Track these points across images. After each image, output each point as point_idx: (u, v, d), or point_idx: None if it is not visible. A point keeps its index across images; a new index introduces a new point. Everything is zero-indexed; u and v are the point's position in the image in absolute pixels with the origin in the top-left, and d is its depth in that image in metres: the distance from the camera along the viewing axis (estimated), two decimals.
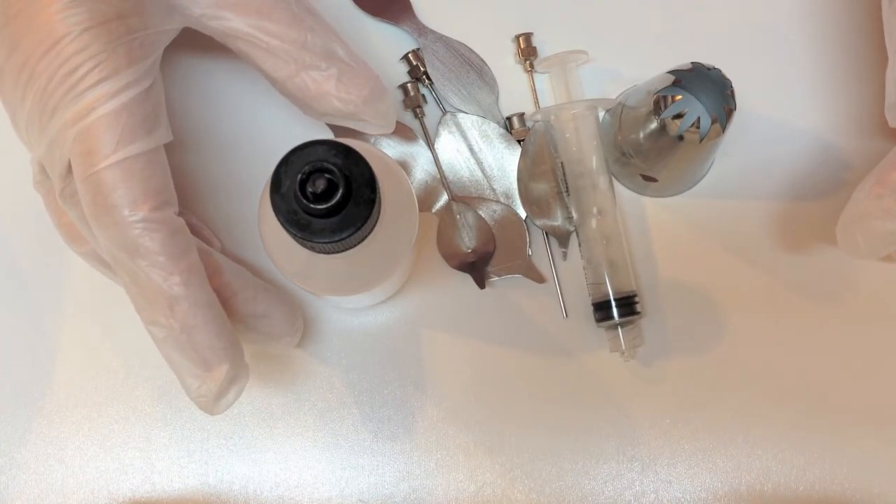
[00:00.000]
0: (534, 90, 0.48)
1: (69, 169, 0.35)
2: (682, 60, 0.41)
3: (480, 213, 0.46)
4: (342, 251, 0.32)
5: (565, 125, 0.45)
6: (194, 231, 0.40)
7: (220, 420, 0.45)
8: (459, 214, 0.46)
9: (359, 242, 0.32)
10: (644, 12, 0.48)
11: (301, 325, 0.42)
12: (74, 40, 0.34)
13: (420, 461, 0.45)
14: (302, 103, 0.40)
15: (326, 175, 0.30)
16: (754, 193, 0.47)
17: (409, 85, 0.47)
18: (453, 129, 0.47)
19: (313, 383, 0.45)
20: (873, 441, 0.45)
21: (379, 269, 0.37)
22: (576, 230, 0.46)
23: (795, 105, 0.48)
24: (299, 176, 0.30)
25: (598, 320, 0.45)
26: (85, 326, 0.46)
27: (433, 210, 0.46)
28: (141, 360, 0.45)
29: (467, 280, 0.46)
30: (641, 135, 0.42)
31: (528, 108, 0.47)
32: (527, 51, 0.47)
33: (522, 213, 0.46)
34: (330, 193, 0.30)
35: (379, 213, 0.32)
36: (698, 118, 0.40)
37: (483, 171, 0.47)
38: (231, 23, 0.38)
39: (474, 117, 0.47)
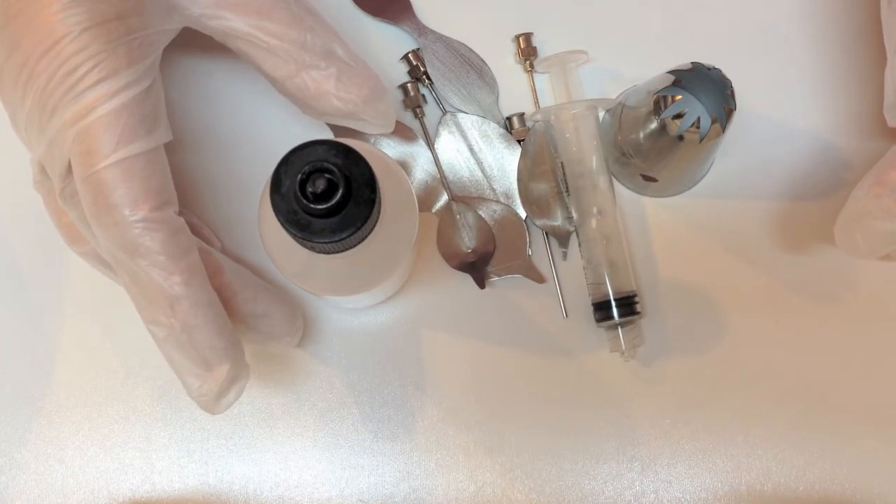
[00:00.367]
0: (534, 90, 0.48)
1: (69, 169, 0.35)
2: (682, 60, 0.41)
3: (480, 213, 0.46)
4: (342, 251, 0.32)
5: (565, 125, 0.45)
6: (194, 231, 0.40)
7: (220, 420, 0.45)
8: (459, 214, 0.46)
9: (359, 242, 0.32)
10: (644, 12, 0.48)
11: (301, 324, 0.42)
12: (74, 40, 0.34)
13: (420, 461, 0.45)
14: (302, 103, 0.40)
15: (326, 175, 0.30)
16: (754, 193, 0.47)
17: (409, 85, 0.47)
18: (453, 129, 0.47)
19: (313, 383, 0.45)
20: (873, 441, 0.45)
21: (379, 269, 0.37)
22: (576, 230, 0.46)
23: (795, 105, 0.48)
24: (299, 176, 0.30)
25: (598, 320, 0.45)
26: (85, 326, 0.46)
27: (433, 210, 0.46)
28: (141, 360, 0.45)
29: (467, 280, 0.46)
30: (641, 135, 0.42)
31: (528, 108, 0.47)
32: (527, 51, 0.47)
33: (522, 213, 0.46)
34: (330, 193, 0.30)
35: (379, 213, 0.32)
36: (698, 118, 0.40)
37: (483, 171, 0.47)
38: (231, 22, 0.38)
39: (474, 117, 0.47)
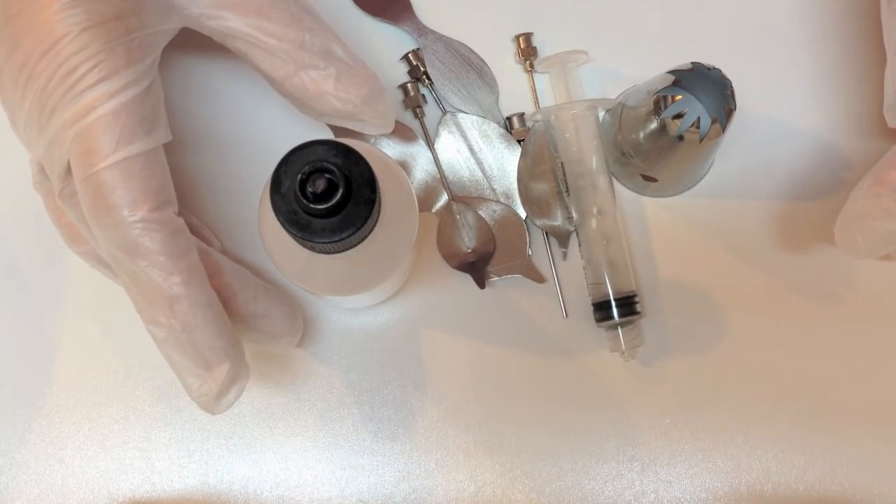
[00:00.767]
0: (534, 90, 0.48)
1: (68, 169, 0.35)
2: (682, 60, 0.41)
3: (480, 213, 0.46)
4: (342, 251, 0.32)
5: (565, 125, 0.45)
6: (194, 231, 0.40)
7: (220, 420, 0.45)
8: (459, 214, 0.46)
9: (359, 242, 0.32)
10: (644, 12, 0.48)
11: (301, 324, 0.42)
12: (73, 40, 0.34)
13: (420, 461, 0.45)
14: (300, 103, 0.40)
15: (326, 175, 0.30)
16: (754, 193, 0.47)
17: (409, 85, 0.47)
18: (453, 129, 0.47)
19: (313, 383, 0.45)
20: (873, 441, 0.45)
21: (379, 269, 0.37)
22: (576, 230, 0.46)
23: (795, 105, 0.48)
24: (299, 176, 0.30)
25: (598, 320, 0.45)
26: (85, 326, 0.46)
27: (433, 210, 0.46)
28: (141, 360, 0.45)
29: (467, 280, 0.46)
30: (641, 135, 0.42)
31: (528, 108, 0.47)
32: (527, 51, 0.47)
33: (522, 213, 0.46)
34: (330, 193, 0.30)
35: (379, 213, 0.32)
36: (698, 118, 0.40)
37: (483, 171, 0.47)
38: (230, 23, 0.38)
39: (474, 117, 0.47)
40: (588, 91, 0.47)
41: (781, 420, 0.45)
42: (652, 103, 0.41)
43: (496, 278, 0.46)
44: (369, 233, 0.32)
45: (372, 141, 0.46)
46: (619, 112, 0.44)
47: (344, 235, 0.30)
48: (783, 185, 0.47)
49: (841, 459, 0.45)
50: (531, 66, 0.47)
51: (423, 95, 0.47)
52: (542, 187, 0.46)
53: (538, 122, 0.46)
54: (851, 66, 0.48)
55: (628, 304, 0.44)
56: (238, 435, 0.45)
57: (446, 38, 0.47)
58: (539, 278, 0.46)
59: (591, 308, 0.45)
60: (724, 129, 0.40)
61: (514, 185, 0.46)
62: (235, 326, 0.38)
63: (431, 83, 0.47)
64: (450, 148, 0.47)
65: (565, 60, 0.46)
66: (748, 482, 0.45)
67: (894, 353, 0.46)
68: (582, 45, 0.46)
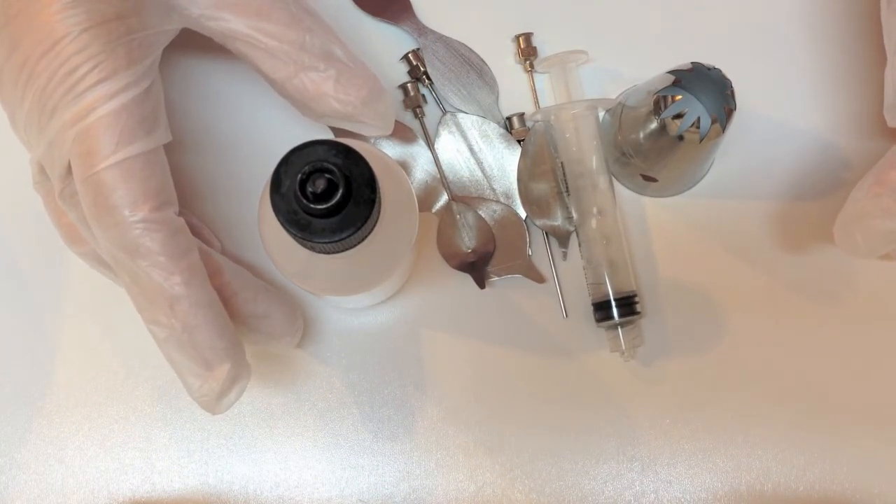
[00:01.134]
0: (534, 90, 0.48)
1: (69, 169, 0.35)
2: (682, 60, 0.41)
3: (480, 213, 0.46)
4: (342, 251, 0.32)
5: (565, 125, 0.45)
6: (194, 231, 0.40)
7: (220, 420, 0.45)
8: (459, 214, 0.46)
9: (359, 242, 0.32)
10: (644, 12, 0.48)
11: (301, 325, 0.42)
12: (74, 41, 0.34)
13: (420, 461, 0.45)
14: (301, 104, 0.40)
15: (326, 175, 0.30)
16: (754, 193, 0.47)
17: (409, 85, 0.47)
18: (453, 129, 0.47)
19: (313, 383, 0.45)
20: (873, 441, 0.45)
21: (379, 269, 0.37)
22: (576, 230, 0.46)
23: (795, 105, 0.48)
24: (299, 176, 0.30)
25: (598, 320, 0.45)
26: (85, 326, 0.46)
27: (433, 210, 0.46)
28: (141, 360, 0.45)
29: (467, 280, 0.46)
30: (641, 135, 0.42)
31: (528, 108, 0.47)
32: (527, 51, 0.47)
33: (522, 213, 0.46)
34: (330, 193, 0.30)
35: (379, 213, 0.32)
36: (698, 118, 0.40)
37: (483, 171, 0.47)
38: (230, 24, 0.38)
39: (474, 117, 0.47)
40: (588, 91, 0.47)
41: (781, 420, 0.45)
42: (652, 103, 0.41)
43: (496, 278, 0.46)
44: (369, 233, 0.32)
45: (372, 141, 0.46)
46: (619, 112, 0.44)
47: (344, 235, 0.30)
48: (783, 185, 0.47)
49: (841, 459, 0.45)
50: (531, 66, 0.47)
51: (423, 95, 0.47)
52: (542, 187, 0.46)
53: (538, 122, 0.46)
54: (851, 66, 0.48)
55: (628, 304, 0.44)
56: (238, 435, 0.45)
57: (446, 38, 0.47)
58: (539, 278, 0.46)
59: (591, 308, 0.45)
60: (724, 129, 0.40)
61: (514, 185, 0.46)
62: (235, 327, 0.38)
63: (431, 83, 0.47)
64: (450, 148, 0.47)
65: (565, 60, 0.46)
66: (748, 482, 0.45)
67: (894, 353, 0.46)
68: (582, 45, 0.46)
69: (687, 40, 0.48)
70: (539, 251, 0.46)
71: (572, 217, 0.46)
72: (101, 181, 0.34)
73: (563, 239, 0.46)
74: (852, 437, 0.45)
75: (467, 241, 0.46)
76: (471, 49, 0.47)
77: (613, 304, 0.44)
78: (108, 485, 0.45)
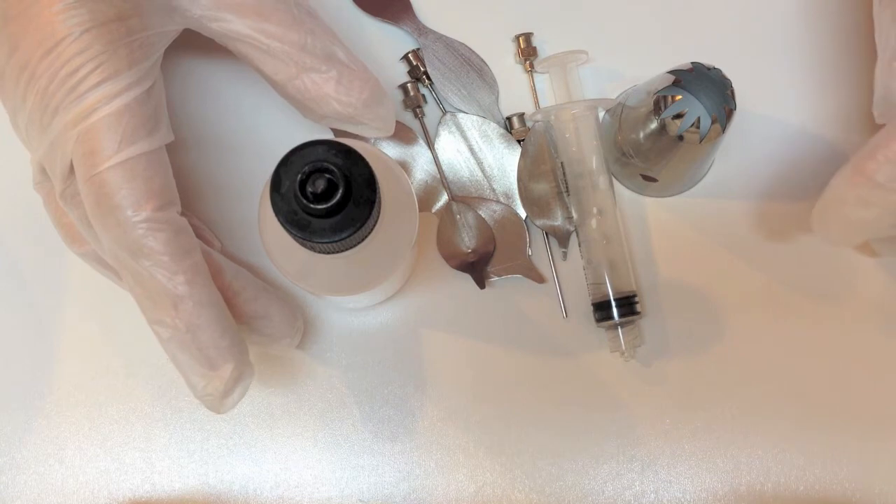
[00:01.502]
0: (534, 90, 0.48)
1: (71, 170, 0.35)
2: (682, 60, 0.41)
3: (480, 213, 0.46)
4: (342, 251, 0.32)
5: (565, 125, 0.45)
6: (194, 231, 0.40)
7: (220, 420, 0.45)
8: (459, 214, 0.46)
9: (359, 242, 0.32)
10: (644, 12, 0.48)
11: (301, 326, 0.42)
12: (75, 41, 0.34)
13: (420, 461, 0.45)
14: (301, 105, 0.40)
15: (326, 175, 0.30)
16: (755, 193, 0.47)
17: (409, 85, 0.47)
18: (453, 129, 0.47)
19: (313, 383, 0.45)
20: (873, 441, 0.45)
21: (379, 269, 0.37)
22: (576, 230, 0.46)
23: (795, 105, 0.47)
24: (299, 176, 0.30)
25: (598, 320, 0.45)
26: (85, 326, 0.46)
27: (433, 210, 0.46)
28: (141, 360, 0.45)
29: (467, 280, 0.46)
30: (641, 135, 0.42)
31: (528, 108, 0.47)
32: (527, 51, 0.47)
33: (522, 213, 0.46)
34: (330, 193, 0.30)
35: (379, 213, 0.32)
36: (698, 118, 0.40)
37: (483, 171, 0.47)
38: (231, 25, 0.38)
39: (474, 117, 0.47)
40: (588, 91, 0.47)
41: (781, 420, 0.45)
42: (652, 103, 0.41)
43: (496, 278, 0.46)
44: (369, 233, 0.32)
45: (372, 141, 0.46)
46: (619, 112, 0.44)
47: (344, 235, 0.30)
48: (783, 186, 0.47)
49: (841, 459, 0.45)
50: (531, 66, 0.47)
51: (423, 95, 0.47)
52: (542, 187, 0.46)
53: (538, 122, 0.46)
54: (854, 65, 0.48)
55: (628, 304, 0.44)
56: (238, 435, 0.45)
57: (446, 38, 0.47)
58: (539, 278, 0.46)
59: (591, 308, 0.45)
60: (724, 129, 0.40)
61: (514, 185, 0.46)
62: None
63: (431, 83, 0.47)
64: (450, 148, 0.47)
65: (565, 60, 0.46)
66: (748, 482, 0.45)
67: (894, 352, 0.46)
68: (582, 45, 0.46)
69: (687, 40, 0.48)
70: (539, 251, 0.46)
71: (572, 217, 0.46)
72: (104, 181, 0.34)
73: (563, 239, 0.46)
74: (852, 437, 0.45)
75: (467, 241, 0.46)
76: (471, 49, 0.47)
77: (613, 304, 0.44)
78: (108, 485, 0.45)
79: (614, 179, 0.47)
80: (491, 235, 0.46)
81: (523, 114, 0.47)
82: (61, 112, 0.34)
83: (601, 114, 0.47)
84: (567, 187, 0.46)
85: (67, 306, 0.46)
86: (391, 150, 0.46)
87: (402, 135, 0.46)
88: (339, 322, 0.46)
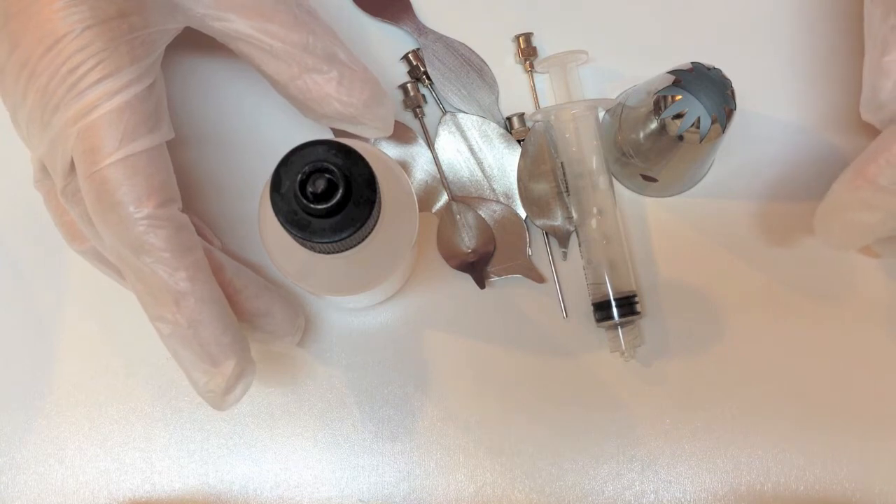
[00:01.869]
0: (534, 90, 0.48)
1: (72, 167, 0.35)
2: (682, 60, 0.41)
3: (480, 213, 0.46)
4: (342, 251, 0.32)
5: (565, 125, 0.45)
6: None
7: (220, 420, 0.45)
8: (459, 214, 0.46)
9: (359, 242, 0.32)
10: (644, 12, 0.48)
11: (302, 324, 0.42)
12: (76, 38, 0.34)
13: (420, 461, 0.45)
14: (302, 105, 0.40)
15: (326, 175, 0.30)
16: (755, 193, 0.47)
17: (409, 85, 0.47)
18: (453, 129, 0.47)
19: (313, 383, 0.45)
20: (873, 441, 0.45)
21: (379, 269, 0.37)
22: (576, 230, 0.46)
23: (795, 105, 0.47)
24: (299, 176, 0.30)
25: (598, 320, 0.45)
26: (85, 326, 0.46)
27: (433, 210, 0.46)
28: (141, 360, 0.45)
29: (467, 280, 0.46)
30: (641, 135, 0.42)
31: (528, 108, 0.47)
32: (527, 51, 0.47)
33: (522, 213, 0.46)
34: (330, 193, 0.30)
35: (379, 213, 0.32)
36: (698, 118, 0.40)
37: (483, 171, 0.47)
38: (234, 24, 0.38)
39: (474, 117, 0.47)
40: (588, 91, 0.47)
41: (781, 420, 0.45)
42: (652, 103, 0.41)
43: (496, 278, 0.46)
44: (369, 233, 0.32)
45: (372, 141, 0.46)
46: (619, 112, 0.44)
47: (344, 235, 0.30)
48: (783, 186, 0.47)
49: (841, 459, 0.45)
50: (531, 66, 0.47)
51: (423, 95, 0.47)
52: (542, 187, 0.46)
53: (538, 122, 0.46)
54: (854, 66, 0.48)
55: (628, 304, 0.44)
56: (238, 435, 0.45)
57: (446, 38, 0.47)
58: (539, 278, 0.46)
59: (591, 308, 0.45)
60: (724, 129, 0.40)
61: (514, 185, 0.46)
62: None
63: (431, 83, 0.47)
64: (450, 148, 0.47)
65: (565, 60, 0.46)
66: (748, 482, 0.45)
67: (894, 352, 0.46)
68: (582, 45, 0.46)
69: (687, 40, 0.48)
70: (539, 251, 0.46)
71: (572, 217, 0.46)
72: (105, 178, 0.34)
73: (563, 239, 0.46)
74: (852, 437, 0.45)
75: (467, 241, 0.46)
76: (471, 49, 0.47)
77: (613, 304, 0.44)
78: (108, 485, 0.45)
79: (614, 179, 0.47)
80: (491, 235, 0.46)
81: (523, 114, 0.47)
82: (62, 109, 0.34)
83: (601, 114, 0.47)
84: (567, 187, 0.46)
85: (67, 306, 0.46)
86: (391, 150, 0.46)
87: (402, 135, 0.46)
88: (339, 322, 0.46)
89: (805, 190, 0.47)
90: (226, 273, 0.38)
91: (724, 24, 0.48)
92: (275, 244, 0.36)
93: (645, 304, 0.46)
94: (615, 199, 0.46)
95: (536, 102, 0.47)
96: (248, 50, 0.39)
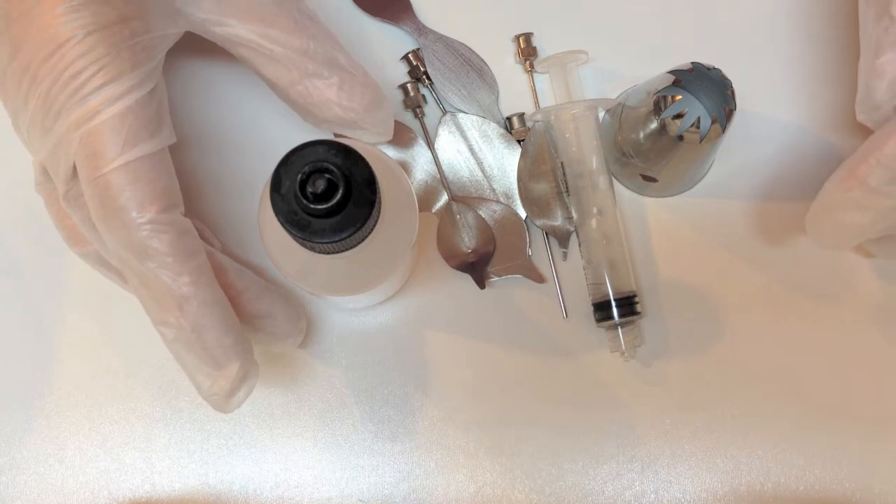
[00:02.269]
0: (534, 90, 0.48)
1: (74, 172, 0.35)
2: (682, 60, 0.41)
3: (480, 213, 0.46)
4: (342, 251, 0.32)
5: (565, 125, 0.45)
6: None
7: (220, 420, 0.45)
8: (459, 214, 0.46)
9: (359, 243, 0.32)
10: (644, 12, 0.48)
11: (304, 325, 0.42)
12: (78, 44, 0.34)
13: (420, 461, 0.45)
14: (303, 110, 0.40)
15: (326, 175, 0.30)
16: (755, 193, 0.47)
17: (409, 85, 0.47)
18: (453, 129, 0.47)
19: (313, 383, 0.45)
20: (873, 441, 0.45)
21: (379, 269, 0.37)
22: (576, 230, 0.46)
23: (796, 105, 0.47)
24: (299, 176, 0.30)
25: (598, 320, 0.45)
26: (85, 326, 0.46)
27: (433, 210, 0.46)
28: (141, 360, 0.45)
29: (467, 280, 0.46)
30: (641, 135, 0.42)
31: (528, 108, 0.47)
32: (527, 51, 0.47)
33: (522, 213, 0.46)
34: (330, 193, 0.30)
35: (379, 213, 0.32)
36: (698, 118, 0.40)
37: (483, 171, 0.47)
38: (234, 29, 0.38)
39: (474, 117, 0.47)
40: (588, 91, 0.47)
41: (781, 420, 0.45)
42: (652, 103, 0.41)
43: (496, 278, 0.46)
44: (369, 233, 0.32)
45: None
46: (619, 112, 0.44)
47: (344, 236, 0.30)
48: (784, 186, 0.47)
49: (841, 459, 0.45)
50: (531, 66, 0.47)
51: (423, 95, 0.47)
52: (542, 187, 0.46)
53: (538, 122, 0.46)
54: (854, 66, 0.47)
55: (628, 304, 0.44)
56: (238, 435, 0.45)
57: (446, 38, 0.47)
58: (539, 278, 0.46)
59: (591, 308, 0.45)
60: (724, 129, 0.40)
61: (514, 185, 0.46)
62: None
63: (431, 83, 0.47)
64: (450, 148, 0.47)
65: (565, 60, 0.46)
66: (748, 482, 0.45)
67: (894, 353, 0.46)
68: (582, 45, 0.46)
69: (687, 40, 0.48)
70: (539, 251, 0.46)
71: (572, 217, 0.46)
72: (108, 183, 0.34)
73: (563, 239, 0.46)
74: (852, 437, 0.45)
75: (467, 241, 0.46)
76: (471, 49, 0.47)
77: (613, 304, 0.44)
78: (108, 485, 0.45)
79: (614, 179, 0.47)
80: (491, 235, 0.46)
81: (523, 114, 0.47)
82: (64, 115, 0.34)
83: (601, 114, 0.47)
84: (567, 187, 0.46)
85: (67, 306, 0.46)
86: (391, 151, 0.46)
87: (402, 135, 0.46)
88: (339, 322, 0.46)
89: (805, 190, 0.47)
90: (228, 275, 0.38)
91: (724, 24, 0.48)
92: (275, 244, 0.36)
93: (645, 304, 0.46)
94: (615, 199, 0.46)
95: (536, 102, 0.47)
96: (248, 55, 0.39)
